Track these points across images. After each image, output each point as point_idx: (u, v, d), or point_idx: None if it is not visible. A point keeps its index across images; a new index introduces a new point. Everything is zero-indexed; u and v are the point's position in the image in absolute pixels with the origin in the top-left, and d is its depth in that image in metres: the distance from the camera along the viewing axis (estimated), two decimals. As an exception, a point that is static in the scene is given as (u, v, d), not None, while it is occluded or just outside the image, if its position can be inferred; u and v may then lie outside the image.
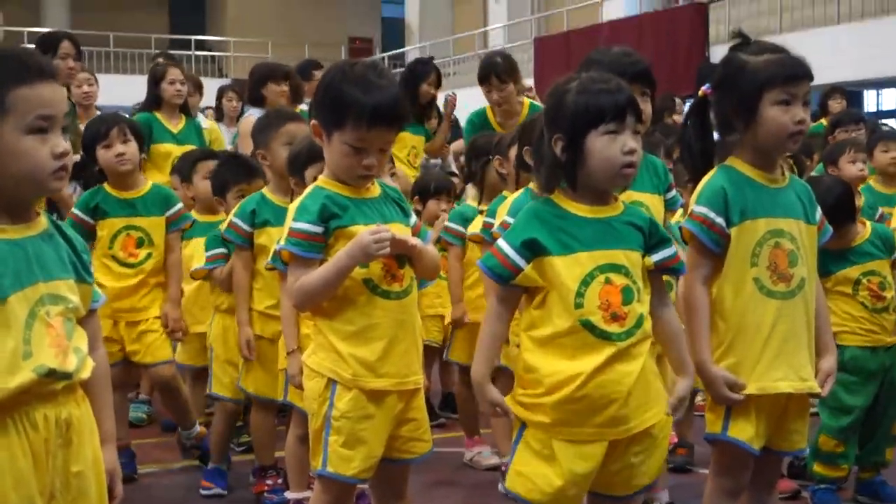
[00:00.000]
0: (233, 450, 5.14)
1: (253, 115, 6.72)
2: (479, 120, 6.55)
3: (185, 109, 6.92)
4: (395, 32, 31.21)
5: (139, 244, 4.81)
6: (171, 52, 26.50)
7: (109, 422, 2.49)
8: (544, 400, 2.81)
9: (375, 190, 3.15)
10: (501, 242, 2.86)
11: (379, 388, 3.05)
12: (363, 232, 2.94)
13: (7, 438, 2.22)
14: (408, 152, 7.18)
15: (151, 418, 5.98)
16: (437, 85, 7.50)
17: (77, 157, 6.31)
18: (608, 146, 2.80)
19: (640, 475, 2.89)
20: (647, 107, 3.51)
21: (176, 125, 6.73)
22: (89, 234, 4.73)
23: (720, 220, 3.07)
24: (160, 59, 7.87)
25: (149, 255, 4.81)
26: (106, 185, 4.83)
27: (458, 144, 7.56)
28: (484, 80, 6.40)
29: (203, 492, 4.64)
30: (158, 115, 6.64)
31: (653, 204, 3.67)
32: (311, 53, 24.29)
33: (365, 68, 3.08)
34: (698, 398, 4.89)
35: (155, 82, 6.79)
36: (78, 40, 6.65)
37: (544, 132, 2.90)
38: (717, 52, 15.62)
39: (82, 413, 2.36)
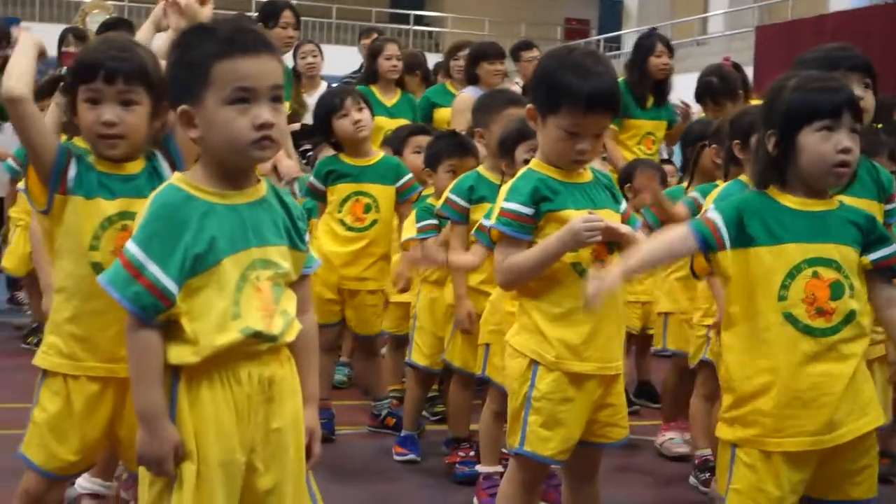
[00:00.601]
0: (427, 419, 5.25)
1: (466, 92, 6.81)
2: None
3: (401, 84, 7.07)
4: (612, 15, 30.85)
5: (366, 210, 4.98)
6: (391, 25, 27.19)
7: (313, 383, 2.57)
8: (747, 410, 2.77)
9: (587, 175, 3.16)
10: (713, 213, 2.84)
11: (581, 372, 3.06)
12: (576, 219, 2.95)
13: (213, 392, 2.34)
14: (639, 139, 6.83)
15: (351, 381, 6.15)
16: (670, 55, 6.83)
17: (297, 126, 6.55)
18: (821, 143, 2.74)
19: (856, 485, 2.81)
20: (868, 97, 3.42)
21: (390, 99, 6.94)
22: (321, 199, 5.01)
23: None
24: (377, 35, 8.02)
25: (374, 222, 4.97)
26: (341, 154, 5.05)
27: None
28: (699, 99, 6.17)
29: (397, 457, 4.75)
30: (374, 89, 6.82)
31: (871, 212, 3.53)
32: (526, 33, 24.34)
33: (582, 55, 3.09)
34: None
35: (372, 57, 6.99)
36: (298, 10, 6.83)
37: (759, 128, 2.87)
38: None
39: (286, 373, 2.45)
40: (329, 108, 5.06)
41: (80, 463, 2.94)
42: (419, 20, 29.32)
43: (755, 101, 5.33)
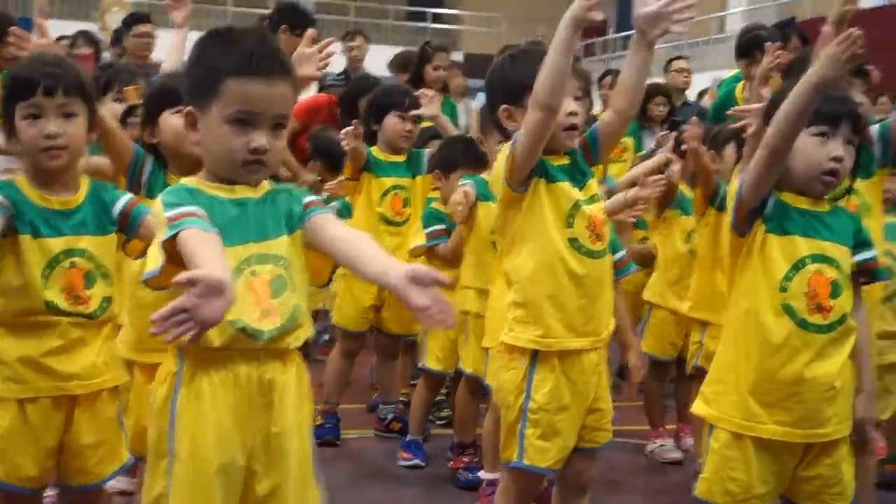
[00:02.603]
0: (433, 423, 5.25)
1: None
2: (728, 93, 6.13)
3: (445, 88, 7.18)
4: (631, 13, 30.77)
5: (405, 204, 5.02)
6: (408, 23, 27.17)
7: (386, 256, 2.31)
8: (725, 388, 2.79)
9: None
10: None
11: (580, 348, 3.12)
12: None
13: (213, 394, 2.33)
14: None
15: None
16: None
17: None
18: (815, 148, 2.77)
19: (833, 493, 2.81)
20: (866, 104, 3.50)
21: None
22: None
23: None
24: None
25: (410, 216, 5.01)
26: (374, 149, 5.09)
27: None
28: (746, 53, 5.88)
29: (401, 462, 4.76)
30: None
31: None
32: (545, 30, 24.29)
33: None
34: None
35: (420, 63, 7.08)
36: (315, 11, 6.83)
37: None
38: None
39: (289, 378, 2.41)
40: (391, 101, 5.12)
41: (42, 477, 2.89)
42: (437, 18, 29.31)
43: None
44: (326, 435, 4.97)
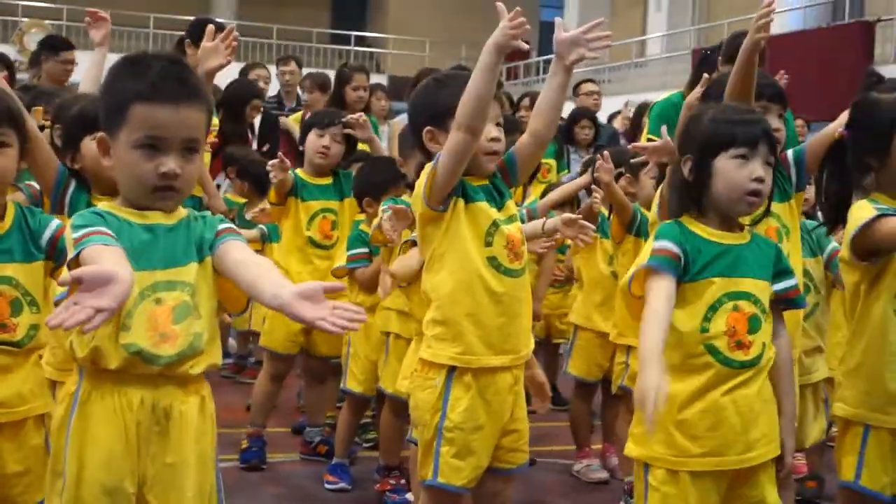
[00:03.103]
0: (359, 445, 5.23)
1: (402, 119, 6.83)
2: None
3: (366, 111, 7.15)
4: (552, 36, 31.07)
5: (333, 227, 5.01)
6: (332, 46, 27.16)
7: (281, 277, 2.29)
8: (659, 430, 2.76)
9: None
10: (667, 242, 2.81)
11: (499, 366, 3.14)
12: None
13: (105, 415, 2.31)
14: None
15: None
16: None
17: None
18: (736, 170, 2.80)
19: None
20: (783, 128, 3.52)
21: None
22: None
23: None
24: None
25: (338, 239, 4.98)
26: (299, 171, 5.08)
27: None
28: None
29: (327, 485, 4.72)
30: None
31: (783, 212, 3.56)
32: (467, 54, 24.43)
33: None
34: (833, 429, 4.77)
35: (339, 85, 7.07)
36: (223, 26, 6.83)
37: (675, 156, 2.92)
38: (882, 73, 15.09)
39: (189, 408, 2.37)
40: (313, 121, 5.16)
41: None
42: (360, 41, 29.37)
43: None
44: (252, 459, 4.93)
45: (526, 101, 7.91)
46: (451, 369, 3.13)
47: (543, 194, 5.65)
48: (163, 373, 2.32)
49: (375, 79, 10.97)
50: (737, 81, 3.41)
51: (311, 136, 5.09)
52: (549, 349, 6.36)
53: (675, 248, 2.78)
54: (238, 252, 2.38)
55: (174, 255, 2.38)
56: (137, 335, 2.29)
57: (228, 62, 3.69)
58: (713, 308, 2.77)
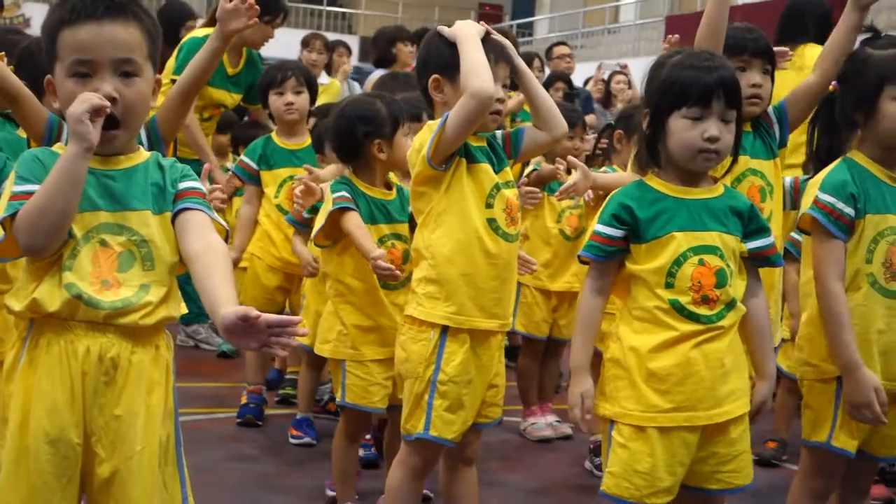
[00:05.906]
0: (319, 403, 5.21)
1: (377, 74, 6.80)
2: None
3: (328, 68, 7.37)
4: (525, 1, 31.00)
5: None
6: (304, 5, 26.94)
7: (227, 289, 2.21)
8: (622, 384, 2.77)
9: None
10: (600, 227, 2.82)
11: (489, 329, 3.17)
12: None
13: (49, 363, 2.24)
14: None
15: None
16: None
17: None
18: (687, 129, 2.75)
19: (735, 473, 2.81)
20: (767, 83, 3.45)
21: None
22: (254, 180, 4.98)
23: (849, 210, 2.98)
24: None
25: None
26: (273, 135, 5.03)
27: None
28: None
29: (293, 440, 4.72)
30: None
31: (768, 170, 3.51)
32: (440, 16, 24.32)
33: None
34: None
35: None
36: None
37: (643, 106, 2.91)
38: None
39: (140, 359, 2.30)
40: (270, 81, 5.09)
41: None
42: (333, 2, 29.15)
43: None
44: (247, 414, 4.98)
45: None
46: (445, 327, 3.13)
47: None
48: (108, 321, 2.25)
49: (348, 40, 10.89)
50: (703, 27, 3.32)
51: (272, 98, 5.05)
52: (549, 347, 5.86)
53: (609, 231, 2.78)
54: (194, 240, 2.30)
55: (126, 198, 2.30)
56: (81, 277, 2.23)
57: (250, 26, 3.50)
58: (677, 262, 2.74)
